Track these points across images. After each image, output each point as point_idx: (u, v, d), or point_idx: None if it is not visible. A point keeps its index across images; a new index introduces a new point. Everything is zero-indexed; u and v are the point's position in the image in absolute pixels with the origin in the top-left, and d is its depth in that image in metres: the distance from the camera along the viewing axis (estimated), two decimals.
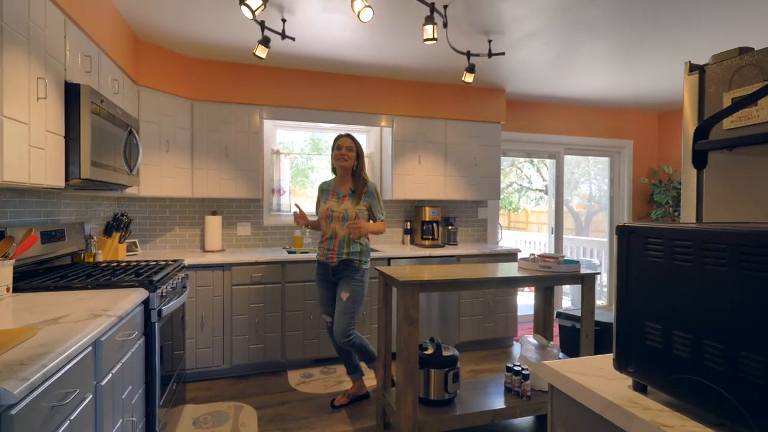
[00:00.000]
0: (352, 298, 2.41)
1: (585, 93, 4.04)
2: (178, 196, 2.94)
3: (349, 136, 2.50)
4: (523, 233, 9.31)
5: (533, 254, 2.48)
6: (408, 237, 3.82)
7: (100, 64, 2.06)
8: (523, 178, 10.12)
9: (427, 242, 3.66)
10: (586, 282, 2.29)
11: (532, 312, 4.46)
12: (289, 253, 3.30)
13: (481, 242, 4.14)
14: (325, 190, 2.59)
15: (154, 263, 2.40)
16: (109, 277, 1.90)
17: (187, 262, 2.73)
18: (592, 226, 8.12)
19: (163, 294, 1.92)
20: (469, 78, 2.74)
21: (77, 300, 1.55)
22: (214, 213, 3.31)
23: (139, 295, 1.70)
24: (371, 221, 2.55)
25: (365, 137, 3.90)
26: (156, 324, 1.83)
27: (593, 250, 5.66)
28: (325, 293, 2.55)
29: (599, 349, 2.39)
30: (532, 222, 10.78)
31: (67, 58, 1.72)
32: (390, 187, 3.57)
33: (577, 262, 2.36)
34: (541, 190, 10.48)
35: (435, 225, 3.71)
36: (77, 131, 1.71)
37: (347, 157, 2.45)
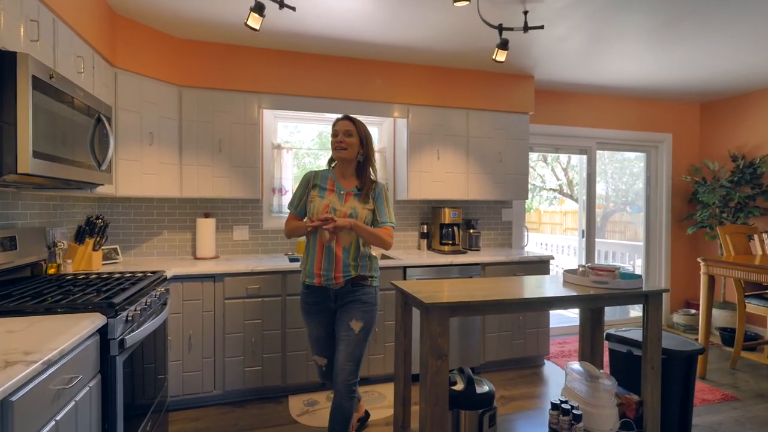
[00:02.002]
0: (365, 328, 1.84)
1: (621, 80, 3.60)
2: (163, 195, 2.57)
3: (348, 118, 1.89)
4: (536, 234, 8.88)
5: (583, 265, 2.05)
6: (425, 242, 3.41)
7: (56, 34, 1.69)
8: (536, 177, 9.71)
9: (446, 248, 3.25)
10: (652, 301, 1.86)
11: (563, 324, 4.03)
12: (291, 260, 2.91)
13: (505, 247, 3.71)
14: (319, 179, 1.93)
15: (130, 275, 2.03)
16: (63, 296, 1.52)
17: (173, 272, 2.36)
18: (608, 227, 7.69)
19: (129, 318, 1.54)
20: (501, 56, 2.32)
21: (2, 333, 1.18)
22: (206, 215, 2.93)
23: (92, 322, 1.32)
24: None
25: (377, 130, 3.50)
26: (117, 358, 1.45)
27: (624, 254, 5.20)
28: (320, 330, 1.91)
29: (665, 381, 1.96)
30: (545, 222, 10.36)
31: (1, 19, 1.34)
32: (405, 186, 3.17)
33: (638, 276, 1.94)
34: (554, 190, 10.04)
35: (455, 228, 3.30)
36: (12, 113, 1.33)
37: (346, 144, 1.84)
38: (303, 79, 2.90)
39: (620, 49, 2.88)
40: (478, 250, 3.41)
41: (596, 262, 4.35)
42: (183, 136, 2.67)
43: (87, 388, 1.28)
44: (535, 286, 1.89)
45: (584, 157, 4.15)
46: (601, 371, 2.08)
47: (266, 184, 3.15)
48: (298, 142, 3.46)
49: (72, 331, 1.21)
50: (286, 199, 3.18)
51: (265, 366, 2.56)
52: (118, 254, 2.64)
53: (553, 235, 9.52)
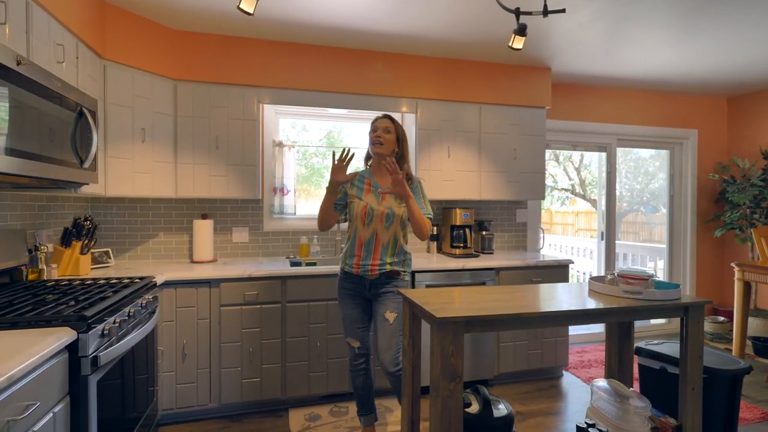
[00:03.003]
0: (399, 318, 1.96)
1: (644, 72, 3.37)
2: (156, 196, 2.42)
3: (387, 116, 2.06)
4: (548, 236, 8.57)
5: (611, 273, 1.85)
6: (434, 244, 3.22)
7: (30, 18, 1.54)
8: (548, 177, 9.46)
9: (457, 251, 3.06)
10: (692, 314, 1.65)
11: (582, 331, 3.79)
12: (293, 264, 2.75)
13: (520, 250, 3.51)
14: (357, 179, 2.07)
15: (116, 281, 1.88)
16: (32, 308, 1.37)
17: (166, 277, 2.21)
18: (622, 227, 7.44)
19: (106, 331, 1.38)
20: (518, 43, 2.13)
21: None
22: (204, 216, 2.78)
23: (58, 339, 1.17)
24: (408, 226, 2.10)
25: None
26: (90, 378, 1.29)
27: (645, 256, 4.96)
28: (355, 313, 2.03)
29: (706, 403, 1.75)
30: (557, 223, 10.13)
31: None
32: None
33: (675, 286, 1.73)
34: (567, 190, 9.81)
35: (467, 230, 3.10)
36: None
37: (384, 140, 1.98)
38: (305, 73, 2.73)
39: (645, 37, 2.67)
40: (491, 253, 3.21)
41: (617, 265, 4.11)
42: (178, 133, 2.52)
43: (50, 415, 1.13)
44: (557, 297, 1.70)
45: (603, 154, 3.93)
46: (631, 389, 1.87)
47: (267, 183, 2.99)
48: (307, 141, 3.29)
49: (31, 351, 1.06)
50: (288, 199, 3.02)
51: (264, 377, 2.40)
52: (110, 257, 2.50)
53: (565, 236, 9.29)
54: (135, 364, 1.76)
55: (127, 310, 1.59)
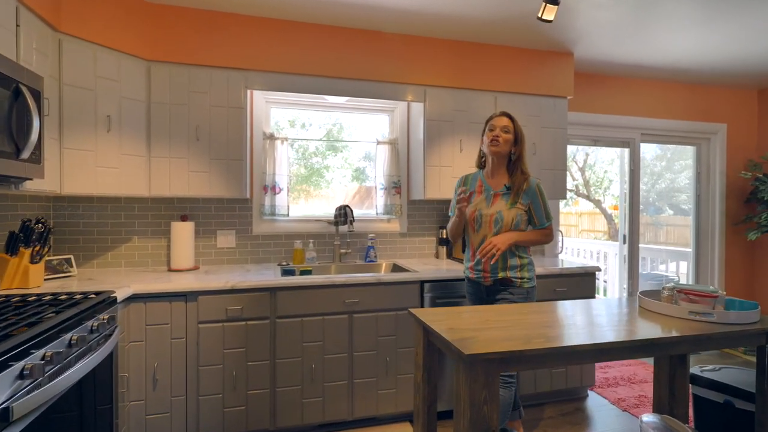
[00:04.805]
0: None
1: (671, 60, 3.05)
2: (124, 194, 2.09)
3: (505, 114, 1.97)
4: None
5: (669, 288, 1.52)
6: (444, 249, 2.89)
7: None
8: None
9: None
10: None
11: None
12: (285, 273, 2.42)
13: (537, 254, 3.18)
14: (469, 181, 2.06)
15: (66, 297, 1.54)
16: None
17: (133, 289, 1.88)
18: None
19: (26, 372, 1.05)
20: (549, 14, 1.81)
21: None
22: (183, 218, 2.45)
23: None
24: (529, 228, 1.96)
25: (387, 118, 2.99)
26: None
27: (665, 260, 4.64)
28: None
29: None
30: (560, 224, 9.90)
31: None
32: (421, 184, 2.66)
33: (754, 306, 1.40)
34: (570, 190, 9.59)
35: None
36: None
37: (502, 140, 1.91)
38: (299, 55, 2.40)
39: (673, 17, 2.35)
40: None
41: (640, 270, 3.79)
42: (152, 122, 2.19)
43: None
44: (605, 320, 1.37)
45: (625, 150, 3.60)
46: (688, 427, 1.54)
47: (256, 181, 2.67)
48: (305, 140, 2.95)
49: None
50: (281, 198, 2.69)
51: (250, 405, 2.06)
52: (71, 266, 2.16)
53: (569, 237, 9.03)
54: (95, 393, 1.43)
55: (67, 337, 1.26)
